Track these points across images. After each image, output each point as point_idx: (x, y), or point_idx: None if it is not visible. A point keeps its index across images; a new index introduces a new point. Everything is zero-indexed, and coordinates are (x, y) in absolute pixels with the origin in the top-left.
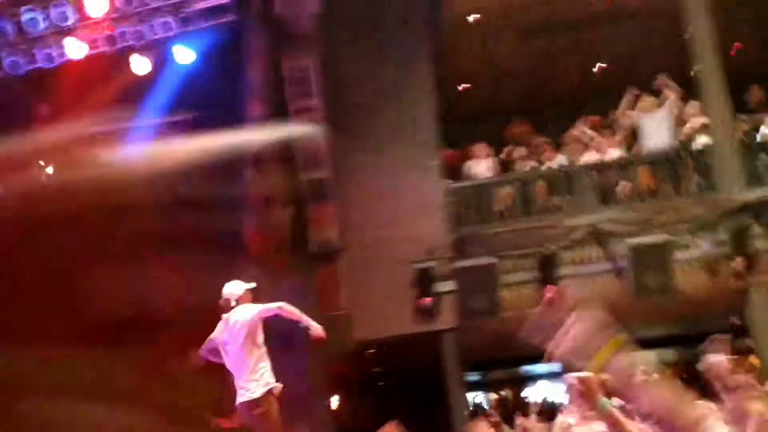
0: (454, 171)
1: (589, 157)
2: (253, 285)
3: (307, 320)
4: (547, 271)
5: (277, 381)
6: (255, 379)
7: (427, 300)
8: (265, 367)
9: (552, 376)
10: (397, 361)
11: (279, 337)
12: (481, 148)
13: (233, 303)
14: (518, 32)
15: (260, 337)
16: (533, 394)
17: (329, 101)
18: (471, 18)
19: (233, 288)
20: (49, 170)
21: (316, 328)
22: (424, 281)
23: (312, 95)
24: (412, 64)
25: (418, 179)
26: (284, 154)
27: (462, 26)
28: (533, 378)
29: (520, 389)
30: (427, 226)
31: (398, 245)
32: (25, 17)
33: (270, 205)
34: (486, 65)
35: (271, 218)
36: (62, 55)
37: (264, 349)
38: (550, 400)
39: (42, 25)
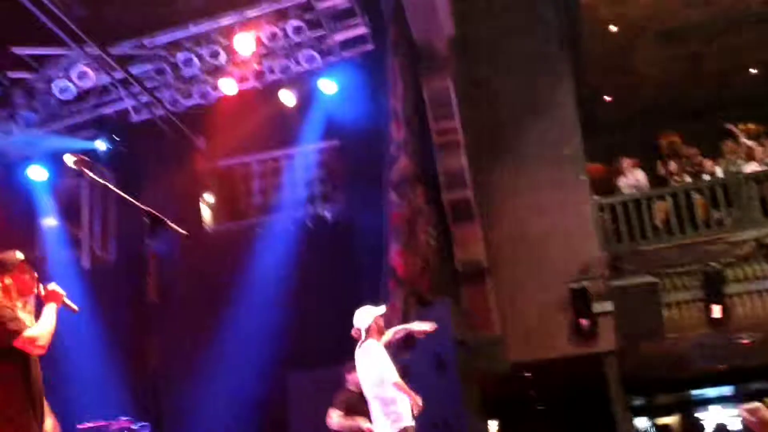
0: (601, 185)
1: (749, 167)
2: (382, 310)
3: (416, 326)
4: (713, 289)
5: (430, 405)
6: (387, 417)
7: (585, 321)
8: (397, 406)
9: (724, 400)
10: (555, 385)
11: (431, 361)
12: (629, 160)
13: (363, 333)
14: (659, 39)
15: (388, 374)
16: (704, 419)
17: (470, 121)
18: (612, 28)
19: (362, 316)
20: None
21: (424, 327)
22: (580, 301)
23: (452, 116)
24: (554, 79)
25: (566, 195)
26: (426, 174)
27: (602, 36)
28: (703, 402)
29: (689, 414)
30: (580, 244)
31: (550, 264)
32: (181, 58)
33: (414, 226)
34: (628, 75)
35: (416, 240)
36: (216, 91)
37: (395, 386)
38: (722, 425)
39: (197, 65)
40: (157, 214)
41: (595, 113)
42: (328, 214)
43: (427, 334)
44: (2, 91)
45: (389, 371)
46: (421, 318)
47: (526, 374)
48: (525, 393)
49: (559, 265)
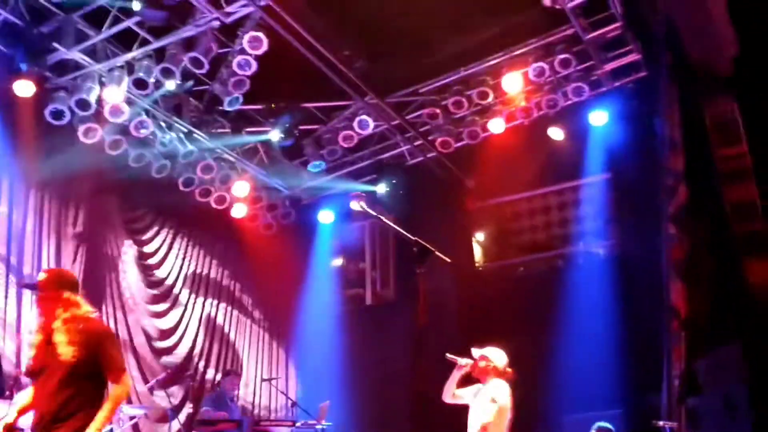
0: None
1: None
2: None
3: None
4: None
5: None
6: None
7: None
8: None
9: None
10: None
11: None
12: None
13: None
14: None
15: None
16: None
17: (757, 144)
18: None
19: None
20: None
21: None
22: None
23: (739, 140)
24: None
25: None
26: (709, 207)
27: None
28: None
29: None
30: None
31: None
32: (451, 101)
33: (696, 262)
34: None
35: (699, 277)
36: (485, 131)
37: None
38: None
39: (465, 106)
40: (425, 244)
41: None
42: (601, 251)
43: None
44: (296, 142)
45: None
46: (710, 359)
47: None
48: None
49: None
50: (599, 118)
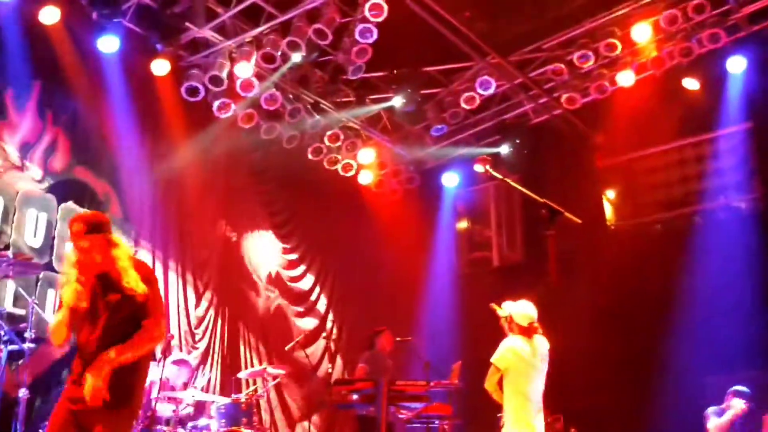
0: None
1: None
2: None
3: None
4: None
5: None
6: None
7: None
8: None
9: None
10: None
11: None
12: None
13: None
14: None
15: None
16: None
17: None
18: None
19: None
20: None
21: None
22: None
23: None
24: None
25: None
26: None
27: None
28: None
29: None
30: None
31: None
32: (577, 55)
33: None
34: None
35: None
36: (613, 85)
37: None
38: None
39: (592, 60)
40: (554, 205)
41: None
42: (743, 205)
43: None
44: (418, 106)
45: None
46: None
47: None
48: None
49: None
50: (737, 65)
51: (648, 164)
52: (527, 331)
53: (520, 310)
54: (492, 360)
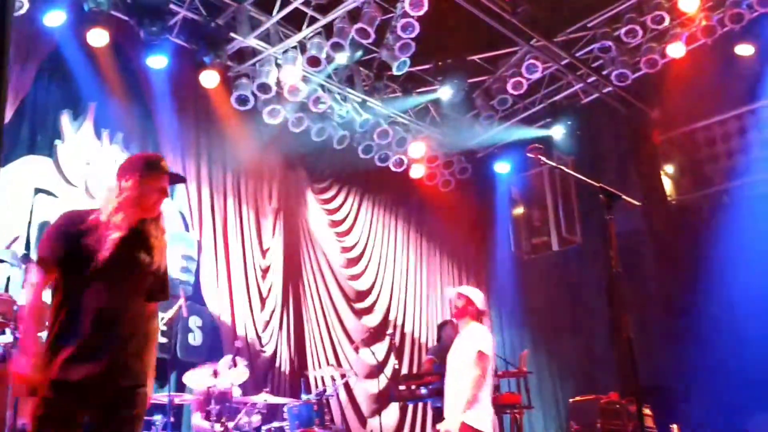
0: None
1: None
2: None
3: None
4: None
5: None
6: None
7: None
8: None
9: None
10: None
11: None
12: None
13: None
14: None
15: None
16: None
17: None
18: None
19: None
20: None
21: None
22: None
23: None
24: None
25: None
26: None
27: None
28: None
29: None
30: None
31: None
32: (624, 31)
33: None
34: None
35: None
36: (664, 57)
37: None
38: None
39: (640, 34)
40: (611, 189)
41: None
42: None
43: None
44: (465, 96)
45: None
46: None
47: None
48: None
49: None
50: None
51: (707, 135)
52: (482, 317)
53: (478, 295)
54: (482, 349)
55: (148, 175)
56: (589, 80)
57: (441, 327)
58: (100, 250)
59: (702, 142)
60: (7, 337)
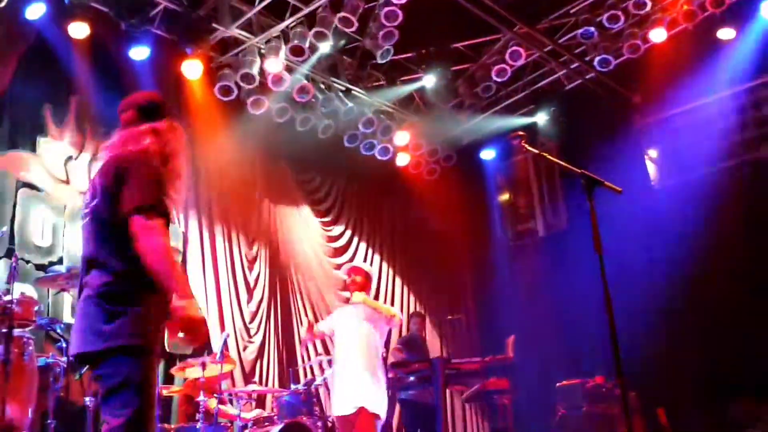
0: None
1: None
2: None
3: None
4: None
5: None
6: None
7: None
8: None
9: None
10: None
11: None
12: None
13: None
14: None
15: None
16: None
17: None
18: None
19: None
20: None
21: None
22: None
23: None
24: None
25: None
26: None
27: None
28: None
29: None
30: None
31: None
32: (606, 17)
33: None
34: None
35: None
36: (646, 42)
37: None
38: None
39: (622, 20)
40: (592, 175)
41: None
42: None
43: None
44: (449, 84)
45: None
46: None
47: None
48: None
49: None
50: None
51: (689, 119)
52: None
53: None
54: (400, 317)
55: None
56: (572, 66)
57: (409, 318)
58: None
59: (684, 126)
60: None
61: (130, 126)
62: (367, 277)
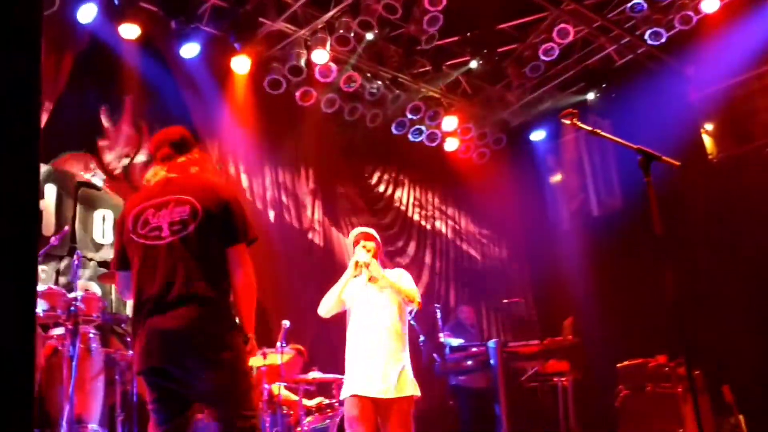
0: None
1: None
2: None
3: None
4: None
5: None
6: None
7: None
8: None
9: None
10: None
11: None
12: None
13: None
14: None
15: None
16: None
17: None
18: None
19: None
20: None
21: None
22: None
23: None
24: None
25: None
26: None
27: None
28: None
29: None
30: None
31: None
32: None
33: None
34: None
35: None
36: (698, 13)
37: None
38: None
39: None
40: (648, 150)
41: None
42: None
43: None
44: (496, 66)
45: None
46: None
47: None
48: None
49: None
50: None
51: (746, 89)
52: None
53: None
54: (419, 293)
55: None
56: (623, 41)
57: (457, 307)
58: None
59: (741, 97)
60: (59, 330)
61: (168, 162)
62: (378, 244)
